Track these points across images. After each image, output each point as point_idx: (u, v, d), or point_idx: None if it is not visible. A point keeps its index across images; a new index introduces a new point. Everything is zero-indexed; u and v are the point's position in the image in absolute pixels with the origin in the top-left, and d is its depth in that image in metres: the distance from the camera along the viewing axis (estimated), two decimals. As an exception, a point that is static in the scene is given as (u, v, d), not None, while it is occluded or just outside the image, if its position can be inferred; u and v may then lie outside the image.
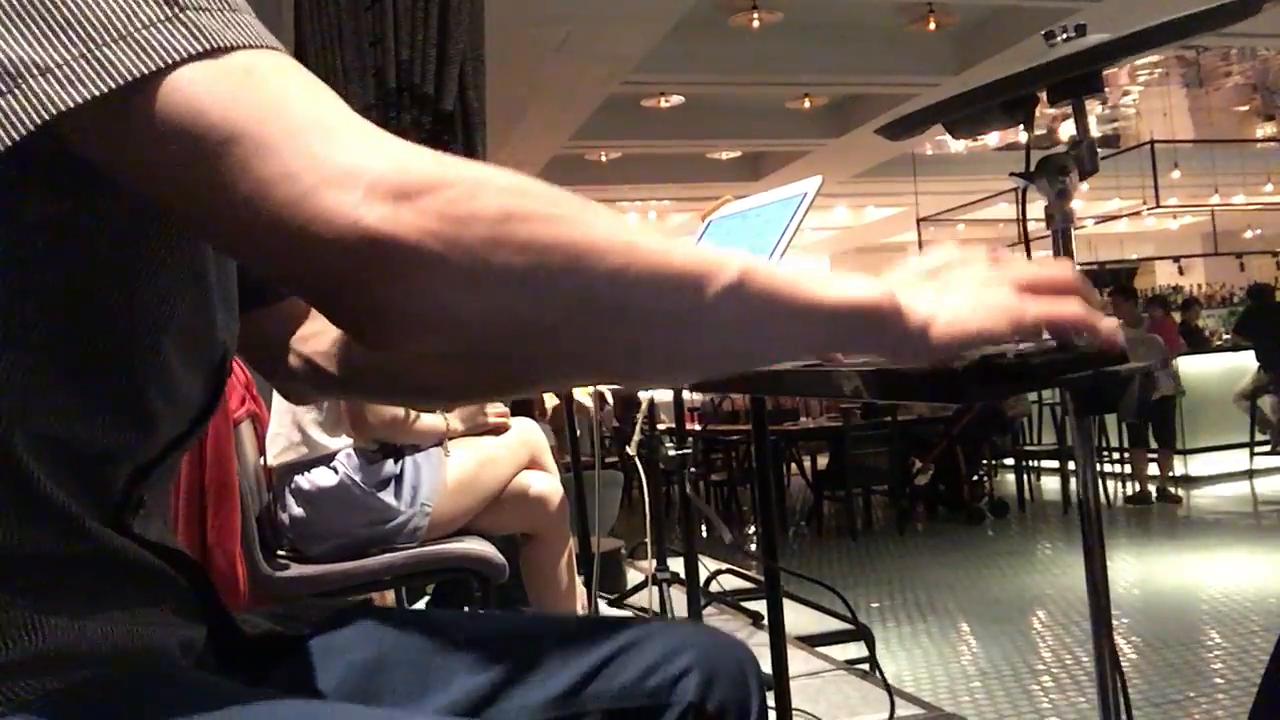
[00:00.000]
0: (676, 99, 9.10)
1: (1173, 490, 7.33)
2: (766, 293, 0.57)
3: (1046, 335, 0.64)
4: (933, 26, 7.61)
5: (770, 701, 1.82)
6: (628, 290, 0.53)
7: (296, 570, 2.03)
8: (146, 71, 0.48)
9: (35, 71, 0.48)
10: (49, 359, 0.58)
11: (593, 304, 0.52)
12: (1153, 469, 7.45)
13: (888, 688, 2.51)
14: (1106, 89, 1.00)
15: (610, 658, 0.78)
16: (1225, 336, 10.69)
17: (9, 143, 0.48)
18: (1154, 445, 7.43)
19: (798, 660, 2.90)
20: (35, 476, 0.57)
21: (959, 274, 0.64)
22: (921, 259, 0.67)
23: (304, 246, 0.48)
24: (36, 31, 0.48)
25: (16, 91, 0.48)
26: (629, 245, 0.53)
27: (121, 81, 0.47)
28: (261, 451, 2.13)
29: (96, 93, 0.47)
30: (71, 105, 0.47)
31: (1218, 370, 8.43)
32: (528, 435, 2.40)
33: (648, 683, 0.77)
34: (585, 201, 0.53)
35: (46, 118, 0.47)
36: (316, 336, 0.87)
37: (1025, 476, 7.75)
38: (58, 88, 0.47)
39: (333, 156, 0.48)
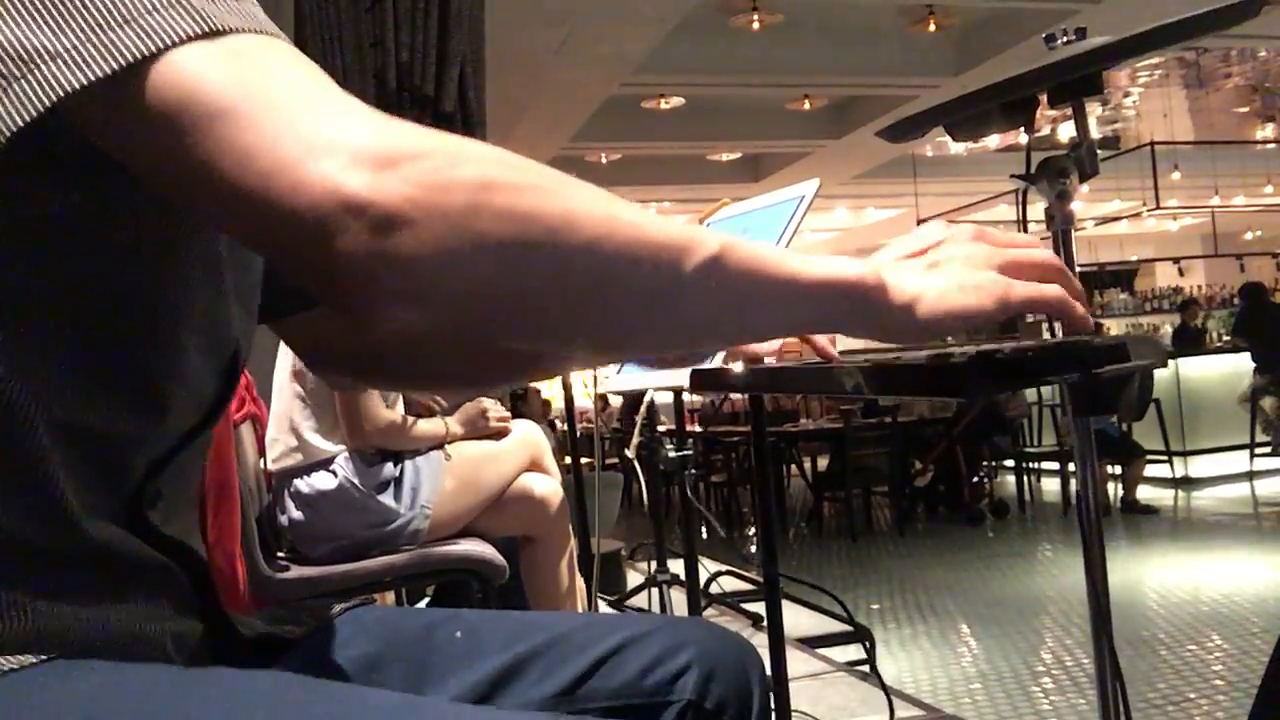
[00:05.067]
0: (677, 100, 9.10)
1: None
2: (746, 268, 0.57)
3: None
4: (933, 28, 7.61)
5: (770, 703, 1.81)
6: (605, 262, 0.53)
7: (296, 572, 2.03)
8: (148, 52, 0.50)
9: (46, 56, 0.50)
10: (70, 344, 0.59)
11: (571, 275, 0.52)
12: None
13: (887, 689, 2.51)
14: (1107, 90, 1.00)
15: (609, 655, 0.78)
16: (1225, 338, 10.68)
17: (22, 123, 0.50)
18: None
19: (798, 662, 2.90)
20: (54, 463, 0.58)
21: (945, 252, 0.65)
22: (907, 238, 0.68)
23: (285, 216, 0.48)
24: (48, 18, 0.50)
25: (30, 76, 0.50)
26: (608, 218, 0.53)
27: (125, 62, 0.49)
28: (261, 453, 2.13)
29: (101, 74, 0.49)
30: (78, 86, 0.49)
31: (1218, 371, 8.42)
32: (528, 437, 2.40)
33: (646, 680, 0.77)
34: (565, 176, 0.54)
35: (55, 99, 0.49)
36: (358, 337, 0.87)
37: (1025, 477, 7.74)
38: (66, 71, 0.49)
39: (315, 128, 0.49)
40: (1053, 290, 0.64)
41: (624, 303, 0.55)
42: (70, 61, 0.49)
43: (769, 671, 1.83)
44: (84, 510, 0.60)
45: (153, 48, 0.50)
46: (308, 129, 0.49)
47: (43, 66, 0.50)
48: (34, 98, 0.50)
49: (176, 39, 0.50)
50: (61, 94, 0.49)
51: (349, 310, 0.51)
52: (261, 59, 0.52)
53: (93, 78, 0.49)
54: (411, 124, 0.51)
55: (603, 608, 3.13)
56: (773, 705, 1.82)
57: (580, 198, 0.53)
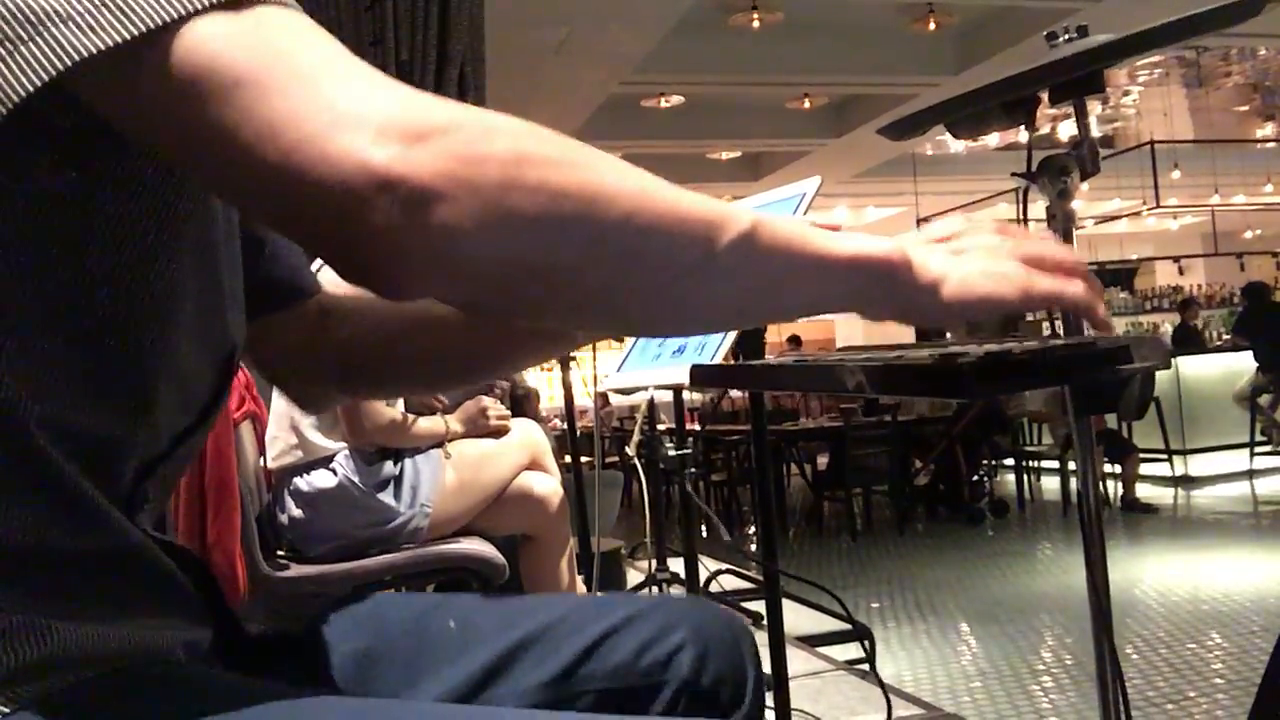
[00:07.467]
0: (676, 99, 9.10)
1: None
2: (778, 243, 0.57)
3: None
4: (933, 26, 7.61)
5: (770, 701, 1.82)
6: (638, 237, 0.52)
7: (296, 570, 2.03)
8: (167, 19, 0.48)
9: (57, 19, 0.48)
10: (63, 342, 0.57)
11: (603, 250, 0.52)
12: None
13: (886, 688, 2.50)
14: (1107, 89, 1.00)
15: (603, 637, 0.78)
16: (1225, 337, 10.69)
17: (31, 89, 0.48)
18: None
19: (797, 660, 2.90)
20: (56, 465, 0.57)
21: (970, 240, 0.64)
22: (931, 227, 0.67)
23: (312, 189, 0.47)
24: None
25: (39, 39, 0.48)
26: (640, 192, 0.52)
27: (143, 28, 0.47)
28: (261, 452, 2.13)
29: (118, 39, 0.47)
30: (93, 52, 0.47)
31: (1217, 370, 8.42)
32: (528, 436, 2.40)
33: (641, 661, 0.77)
34: (595, 150, 0.53)
35: (68, 64, 0.47)
36: (327, 338, 0.87)
37: (1025, 476, 7.75)
38: (79, 35, 0.47)
39: (343, 100, 0.48)
40: (1076, 287, 0.63)
41: (657, 278, 0.54)
42: (83, 26, 0.47)
43: (769, 670, 1.83)
44: (99, 515, 0.59)
45: (173, 14, 0.48)
46: (335, 101, 0.48)
47: (52, 29, 0.47)
48: (42, 63, 0.47)
49: (198, 6, 0.48)
50: (73, 60, 0.47)
51: (378, 286, 0.50)
52: (285, 30, 0.50)
53: (108, 44, 0.47)
54: (440, 97, 0.50)
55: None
56: (771, 704, 1.82)
57: (612, 172, 0.52)
